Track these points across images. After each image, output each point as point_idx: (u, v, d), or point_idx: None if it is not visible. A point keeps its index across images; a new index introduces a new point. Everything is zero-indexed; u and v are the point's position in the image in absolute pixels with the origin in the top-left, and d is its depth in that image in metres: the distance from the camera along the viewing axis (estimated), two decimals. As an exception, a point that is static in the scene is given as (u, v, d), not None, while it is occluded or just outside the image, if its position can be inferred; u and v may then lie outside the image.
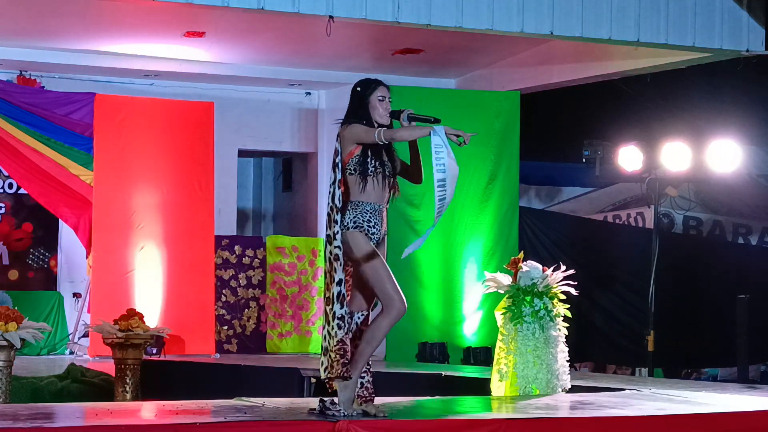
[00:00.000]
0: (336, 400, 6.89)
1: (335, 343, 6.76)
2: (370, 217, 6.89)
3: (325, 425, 6.55)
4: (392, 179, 7.00)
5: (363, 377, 6.95)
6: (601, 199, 17.02)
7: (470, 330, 13.84)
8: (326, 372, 6.82)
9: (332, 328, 6.77)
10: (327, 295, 6.86)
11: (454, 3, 11.31)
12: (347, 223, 6.87)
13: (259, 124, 15.81)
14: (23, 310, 10.10)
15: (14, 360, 9.63)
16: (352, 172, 6.89)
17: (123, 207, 13.30)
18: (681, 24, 12.05)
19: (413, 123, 6.92)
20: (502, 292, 9.25)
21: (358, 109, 6.98)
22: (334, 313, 6.79)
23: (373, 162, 6.88)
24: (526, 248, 12.54)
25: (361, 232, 6.86)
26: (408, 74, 14.98)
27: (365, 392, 6.95)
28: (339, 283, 6.81)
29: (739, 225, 16.58)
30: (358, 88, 7.03)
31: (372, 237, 6.88)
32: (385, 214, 6.99)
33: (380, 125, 6.94)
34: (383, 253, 6.96)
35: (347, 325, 6.81)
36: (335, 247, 6.82)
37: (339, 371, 6.75)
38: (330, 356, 6.78)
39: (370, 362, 7.01)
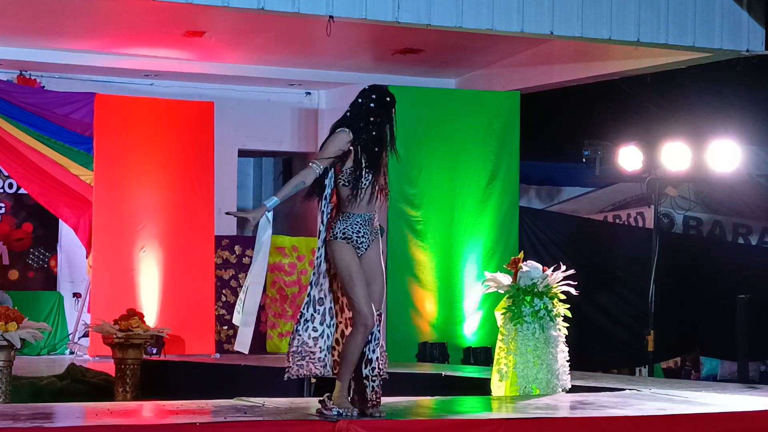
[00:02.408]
0: (331, 397, 6.92)
1: (298, 344, 6.96)
2: (359, 228, 6.90)
3: (325, 425, 6.56)
4: (382, 181, 6.97)
5: (374, 380, 6.91)
6: (601, 199, 17.02)
7: (470, 330, 13.84)
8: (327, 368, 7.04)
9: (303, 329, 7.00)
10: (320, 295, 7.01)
11: (454, 3, 11.31)
12: (336, 232, 6.89)
13: (259, 124, 15.81)
14: (23, 310, 10.12)
15: (14, 360, 9.64)
16: (346, 183, 6.91)
17: (123, 207, 13.30)
18: (681, 24, 12.04)
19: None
20: (502, 292, 9.26)
21: (366, 119, 6.95)
22: (302, 314, 6.98)
23: (367, 175, 6.87)
24: (526, 248, 12.54)
25: (348, 243, 6.87)
26: (408, 74, 14.97)
27: (374, 396, 6.92)
28: (311, 286, 6.98)
29: (739, 225, 16.58)
30: (372, 105, 6.98)
31: (360, 248, 6.89)
32: (375, 218, 6.99)
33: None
34: (370, 257, 6.95)
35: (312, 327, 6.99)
36: (319, 249, 6.96)
37: (295, 370, 6.94)
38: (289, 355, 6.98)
39: (381, 366, 6.97)
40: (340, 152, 6.86)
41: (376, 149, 6.90)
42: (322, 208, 6.98)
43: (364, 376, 6.91)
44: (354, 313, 6.89)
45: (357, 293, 6.83)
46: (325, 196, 6.95)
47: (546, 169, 16.89)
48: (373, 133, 6.93)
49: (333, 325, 7.04)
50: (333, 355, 7.05)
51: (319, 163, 6.84)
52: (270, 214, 6.99)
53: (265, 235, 7.18)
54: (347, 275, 6.85)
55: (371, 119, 6.94)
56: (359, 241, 6.89)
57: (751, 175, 15.43)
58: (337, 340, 7.05)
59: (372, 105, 6.97)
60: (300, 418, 6.80)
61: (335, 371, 7.03)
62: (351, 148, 6.87)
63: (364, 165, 6.86)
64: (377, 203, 6.98)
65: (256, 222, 6.97)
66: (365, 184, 6.86)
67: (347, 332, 6.98)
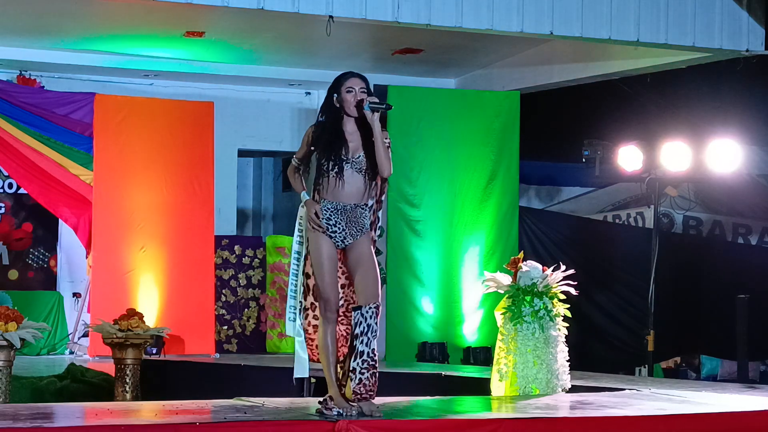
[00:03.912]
0: (333, 397, 6.93)
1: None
2: (330, 215, 6.91)
3: (325, 425, 6.55)
4: (369, 174, 6.95)
5: (363, 373, 6.88)
6: (601, 199, 17.02)
7: (470, 330, 13.84)
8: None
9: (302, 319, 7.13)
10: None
11: (454, 3, 11.32)
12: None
13: (259, 124, 15.81)
14: (23, 310, 10.11)
15: (14, 360, 9.64)
16: (314, 172, 7.02)
17: (123, 207, 13.30)
18: (681, 24, 12.05)
19: (375, 114, 6.89)
20: (502, 292, 9.26)
21: (323, 107, 7.07)
22: (301, 303, 7.11)
23: (325, 162, 6.93)
24: (526, 248, 12.54)
25: (318, 229, 6.91)
26: (408, 74, 14.98)
27: (362, 389, 6.88)
28: (306, 276, 7.06)
29: (739, 225, 16.59)
30: (328, 95, 7.09)
31: (333, 236, 6.91)
32: (359, 213, 6.95)
33: (350, 116, 6.98)
34: (360, 252, 6.94)
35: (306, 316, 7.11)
36: (306, 240, 7.05)
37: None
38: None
39: (374, 359, 6.94)
40: (306, 144, 7.04)
41: (328, 136, 6.97)
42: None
43: (351, 368, 6.89)
44: (321, 302, 6.94)
45: (323, 281, 6.91)
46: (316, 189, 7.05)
47: (546, 169, 16.89)
48: (323, 117, 7.05)
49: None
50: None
51: (296, 158, 7.13)
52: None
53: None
54: (314, 262, 6.93)
55: (325, 109, 7.08)
56: (331, 229, 6.90)
57: (751, 175, 15.43)
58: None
59: (328, 95, 7.12)
60: (300, 418, 6.80)
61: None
62: (311, 139, 7.01)
63: (321, 152, 6.95)
64: (362, 193, 6.94)
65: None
66: (324, 171, 6.91)
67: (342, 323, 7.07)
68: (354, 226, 6.93)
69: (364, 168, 6.92)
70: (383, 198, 7.18)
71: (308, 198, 6.99)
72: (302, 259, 7.10)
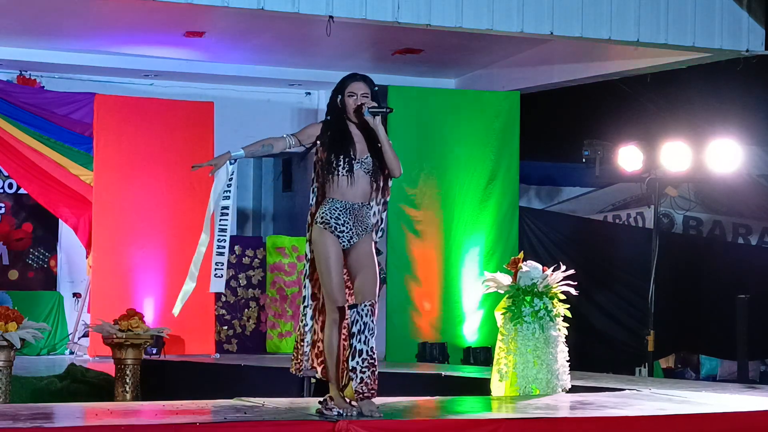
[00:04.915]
0: (333, 397, 6.93)
1: (297, 338, 7.15)
2: (339, 214, 6.93)
3: (325, 425, 6.56)
4: (375, 176, 7.01)
5: (364, 372, 6.87)
6: (601, 199, 17.02)
7: (470, 330, 13.84)
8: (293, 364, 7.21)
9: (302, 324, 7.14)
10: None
11: (453, 3, 11.31)
12: (317, 217, 6.97)
13: (259, 124, 15.79)
14: (23, 310, 10.12)
15: (14, 360, 9.64)
16: (321, 170, 7.02)
17: (123, 207, 13.30)
18: (681, 24, 12.05)
19: (377, 118, 6.91)
20: (502, 292, 9.26)
21: (329, 108, 7.10)
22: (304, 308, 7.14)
23: (336, 160, 6.93)
24: (526, 248, 12.53)
25: (326, 228, 6.89)
26: (408, 74, 14.97)
27: (364, 388, 6.88)
28: (306, 280, 7.10)
29: (739, 225, 16.58)
30: (332, 96, 7.12)
31: (341, 236, 6.91)
32: (365, 212, 6.99)
33: (351, 120, 7.01)
34: (361, 251, 6.96)
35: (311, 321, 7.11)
36: (308, 242, 7.05)
37: (294, 366, 7.17)
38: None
39: (374, 357, 6.94)
40: (311, 136, 7.04)
41: (335, 134, 6.99)
42: (311, 202, 7.12)
43: (351, 368, 6.87)
44: (326, 302, 6.96)
45: (330, 281, 6.90)
46: (313, 189, 7.08)
47: (546, 169, 16.90)
48: (330, 116, 7.07)
49: (320, 320, 7.12)
50: (313, 352, 7.13)
51: (292, 136, 7.09)
52: (232, 169, 7.26)
53: (220, 187, 7.37)
54: (321, 261, 6.92)
55: (330, 109, 7.11)
56: (339, 229, 6.90)
57: (751, 175, 15.43)
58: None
59: (332, 96, 7.15)
60: (300, 418, 6.81)
61: (313, 367, 7.12)
62: (318, 139, 7.02)
63: (332, 151, 6.95)
64: (368, 193, 6.98)
65: (218, 169, 7.14)
66: (334, 169, 6.92)
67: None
68: (360, 225, 6.97)
69: (371, 170, 6.98)
70: (386, 199, 7.21)
71: (233, 154, 7.21)
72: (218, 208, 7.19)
